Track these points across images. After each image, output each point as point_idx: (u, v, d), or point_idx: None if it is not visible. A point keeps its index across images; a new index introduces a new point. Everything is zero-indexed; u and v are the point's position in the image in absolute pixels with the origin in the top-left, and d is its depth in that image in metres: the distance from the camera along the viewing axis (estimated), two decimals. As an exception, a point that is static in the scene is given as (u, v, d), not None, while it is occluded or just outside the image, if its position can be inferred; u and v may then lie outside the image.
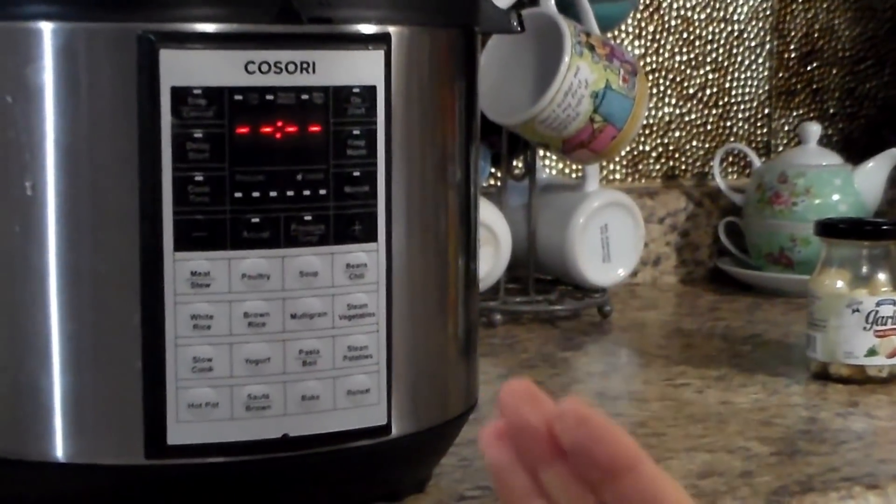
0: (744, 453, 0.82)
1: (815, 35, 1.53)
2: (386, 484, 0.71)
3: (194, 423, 0.63)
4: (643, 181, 1.45)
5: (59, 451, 0.63)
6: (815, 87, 1.54)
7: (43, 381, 0.63)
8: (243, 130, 0.62)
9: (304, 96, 0.63)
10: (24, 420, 0.63)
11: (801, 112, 1.53)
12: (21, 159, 0.62)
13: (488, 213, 1.15)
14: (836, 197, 1.34)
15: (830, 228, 1.02)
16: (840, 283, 0.99)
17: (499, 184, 1.24)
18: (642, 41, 1.43)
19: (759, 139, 1.51)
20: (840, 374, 0.99)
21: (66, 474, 0.63)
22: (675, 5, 1.45)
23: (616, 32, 1.40)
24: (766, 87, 1.51)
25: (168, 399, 0.62)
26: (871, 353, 0.98)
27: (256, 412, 0.63)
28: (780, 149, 1.52)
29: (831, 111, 1.55)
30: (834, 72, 1.55)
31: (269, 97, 0.62)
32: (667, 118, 1.46)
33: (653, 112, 1.45)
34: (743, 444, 0.84)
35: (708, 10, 1.46)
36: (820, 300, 1.00)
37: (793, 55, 1.52)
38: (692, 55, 1.46)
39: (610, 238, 1.23)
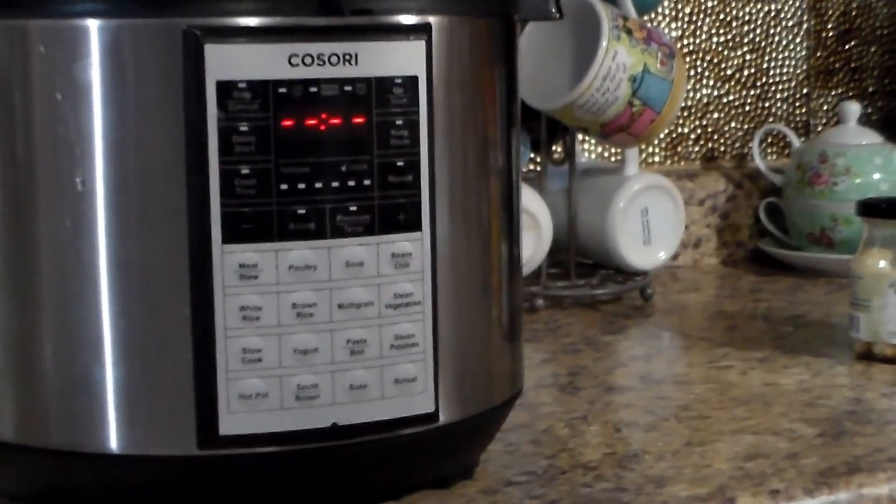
0: (789, 435, 0.82)
1: (853, 13, 1.52)
2: (434, 471, 0.71)
3: (245, 413, 0.63)
4: (682, 163, 1.45)
5: (113, 442, 0.64)
6: (853, 65, 1.53)
7: (96, 373, 0.64)
8: (288, 123, 0.63)
9: (348, 88, 0.64)
10: (78, 412, 0.64)
11: (839, 91, 1.52)
12: (71, 155, 0.63)
13: (529, 199, 1.15)
14: (876, 176, 1.34)
15: (872, 208, 1.01)
16: (882, 263, 0.99)
17: (539, 169, 1.25)
18: (679, 23, 1.43)
19: (798, 119, 1.51)
20: (884, 354, 0.99)
21: (119, 465, 0.64)
22: (711, -14, 1.44)
23: (653, 15, 1.40)
24: (805, 67, 1.50)
25: (219, 390, 0.63)
26: (916, 332, 0.98)
27: (306, 402, 0.64)
28: (820, 128, 1.51)
29: (870, 90, 1.54)
30: (872, 50, 1.54)
31: (313, 89, 0.63)
32: (705, 100, 1.45)
33: (691, 94, 1.44)
34: (788, 425, 0.84)
35: (745, -9, 1.46)
36: (862, 280, 0.99)
37: (830, 34, 1.51)
38: (729, 36, 1.46)
39: (650, 221, 1.23)
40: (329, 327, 0.64)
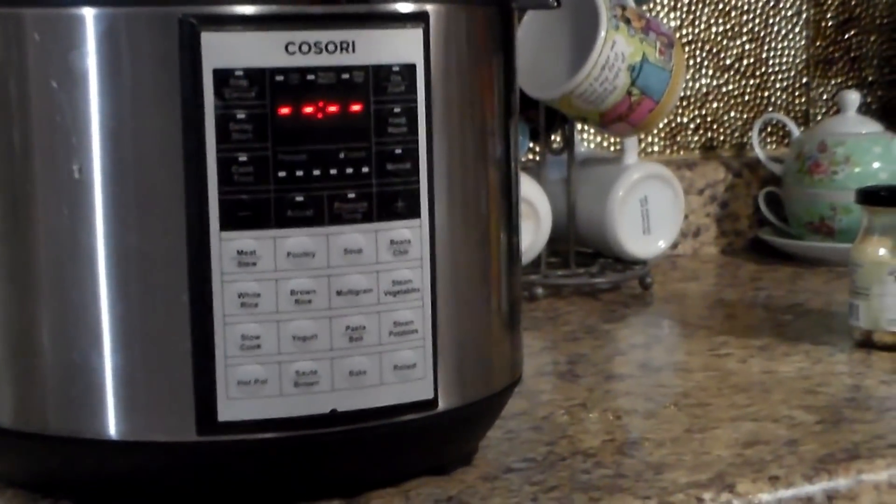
0: (789, 422, 0.82)
1: (853, 2, 1.52)
2: (433, 457, 0.72)
3: (244, 399, 0.64)
4: (682, 153, 1.45)
5: (112, 429, 0.64)
6: (853, 54, 1.53)
7: (94, 360, 0.64)
8: (285, 111, 0.63)
9: (345, 76, 0.64)
10: (77, 399, 0.64)
11: (839, 80, 1.52)
12: (68, 143, 0.63)
13: (528, 188, 1.15)
14: (876, 165, 1.34)
15: (872, 196, 1.01)
16: (882, 251, 0.99)
17: (538, 158, 1.25)
18: (678, 13, 1.43)
19: (797, 108, 1.51)
20: (884, 342, 0.99)
21: (118, 452, 0.65)
22: (710, -24, 1.44)
23: (652, 5, 1.40)
24: (804, 56, 1.50)
25: (217, 376, 0.63)
26: (915, 319, 0.98)
27: (305, 388, 0.64)
28: (819, 118, 1.51)
29: (870, 79, 1.54)
30: (872, 39, 1.54)
31: (310, 77, 0.63)
32: (704, 89, 1.45)
33: (690, 83, 1.44)
34: (787, 412, 0.84)
35: (744, -20, 1.46)
36: (862, 268, 0.99)
37: (830, 23, 1.51)
38: (728, 25, 1.46)
39: (650, 210, 1.23)
40: (328, 314, 0.64)
